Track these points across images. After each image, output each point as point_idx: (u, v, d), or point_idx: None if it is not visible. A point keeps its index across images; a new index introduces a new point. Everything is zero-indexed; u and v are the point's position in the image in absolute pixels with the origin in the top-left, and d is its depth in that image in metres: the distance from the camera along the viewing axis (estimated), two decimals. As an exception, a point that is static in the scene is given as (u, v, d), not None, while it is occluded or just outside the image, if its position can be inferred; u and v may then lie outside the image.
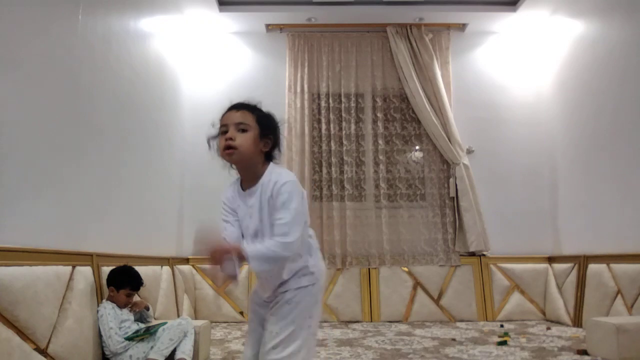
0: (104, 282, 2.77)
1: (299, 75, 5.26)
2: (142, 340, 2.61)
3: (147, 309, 2.88)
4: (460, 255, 4.99)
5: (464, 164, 5.06)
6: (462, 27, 5.38)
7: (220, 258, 1.41)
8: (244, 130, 1.53)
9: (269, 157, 1.60)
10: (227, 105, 1.63)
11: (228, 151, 1.52)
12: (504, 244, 5.03)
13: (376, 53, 5.35)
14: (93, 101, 2.98)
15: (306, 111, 5.18)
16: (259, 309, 1.66)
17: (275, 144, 1.61)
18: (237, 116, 1.54)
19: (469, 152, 5.22)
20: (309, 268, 1.59)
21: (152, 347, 2.60)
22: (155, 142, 4.25)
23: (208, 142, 1.62)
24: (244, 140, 1.52)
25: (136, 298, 2.88)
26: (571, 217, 4.78)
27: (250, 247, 1.44)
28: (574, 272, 4.40)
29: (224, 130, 1.54)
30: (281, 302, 1.55)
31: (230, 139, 1.51)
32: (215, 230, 1.53)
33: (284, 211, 1.47)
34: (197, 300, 4.73)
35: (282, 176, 1.54)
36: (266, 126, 1.58)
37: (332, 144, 5.17)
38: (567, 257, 4.63)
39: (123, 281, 2.72)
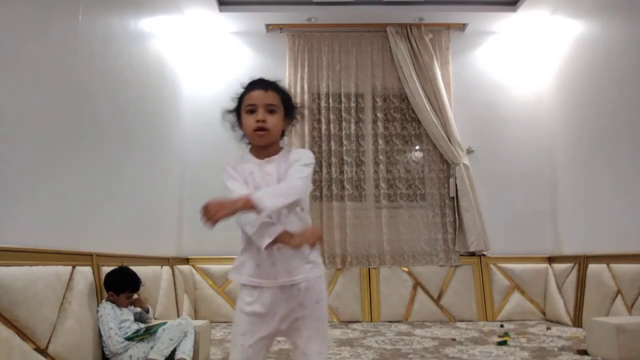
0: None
1: (299, 75, 5.26)
2: (142, 340, 2.61)
3: (147, 311, 2.87)
4: (460, 255, 4.99)
5: (464, 164, 5.06)
6: (462, 27, 5.38)
7: (217, 211, 1.32)
8: (272, 111, 1.55)
9: (282, 134, 1.64)
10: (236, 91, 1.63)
11: (260, 133, 1.52)
12: (504, 244, 5.03)
13: (376, 53, 5.35)
14: (93, 101, 2.98)
15: (306, 111, 5.18)
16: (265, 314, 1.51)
17: (294, 122, 1.65)
18: (267, 97, 1.55)
19: (469, 152, 5.22)
20: (318, 259, 1.57)
21: (152, 347, 2.60)
22: (155, 142, 4.25)
23: (222, 116, 1.63)
24: (275, 123, 1.54)
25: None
26: (571, 217, 4.78)
27: (257, 193, 1.37)
28: (574, 272, 4.40)
29: (251, 109, 1.55)
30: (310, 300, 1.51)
31: (263, 120, 1.52)
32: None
33: (301, 166, 1.50)
34: (197, 300, 4.73)
35: (304, 151, 1.60)
36: (289, 106, 1.61)
37: (332, 144, 5.17)
38: (567, 257, 4.63)
39: (121, 285, 2.71)
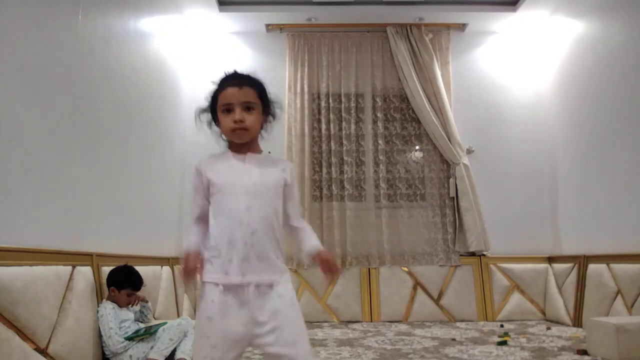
0: (104, 282, 2.77)
1: (299, 75, 5.26)
2: (142, 340, 2.62)
3: (146, 301, 2.89)
4: (460, 255, 4.99)
5: (464, 164, 5.06)
6: (462, 27, 5.38)
7: (190, 271, 1.43)
8: (249, 108, 1.49)
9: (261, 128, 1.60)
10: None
11: (239, 132, 1.49)
12: (504, 244, 5.03)
13: (376, 53, 5.35)
14: (93, 101, 2.98)
15: (306, 111, 5.18)
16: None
17: (273, 118, 1.61)
18: (243, 94, 1.49)
19: (469, 152, 5.22)
20: (285, 264, 1.53)
21: (152, 347, 2.60)
22: (155, 142, 4.25)
23: (197, 116, 1.59)
24: (253, 121, 1.49)
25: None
26: (571, 217, 4.78)
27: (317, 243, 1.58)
28: (574, 272, 4.40)
29: (227, 108, 1.49)
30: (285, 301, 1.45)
31: (241, 120, 1.47)
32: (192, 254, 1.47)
33: (296, 201, 1.59)
34: (197, 300, 4.72)
35: (291, 165, 1.62)
36: (267, 102, 1.57)
37: (332, 144, 5.17)
38: (567, 257, 4.63)
39: (124, 281, 2.73)
